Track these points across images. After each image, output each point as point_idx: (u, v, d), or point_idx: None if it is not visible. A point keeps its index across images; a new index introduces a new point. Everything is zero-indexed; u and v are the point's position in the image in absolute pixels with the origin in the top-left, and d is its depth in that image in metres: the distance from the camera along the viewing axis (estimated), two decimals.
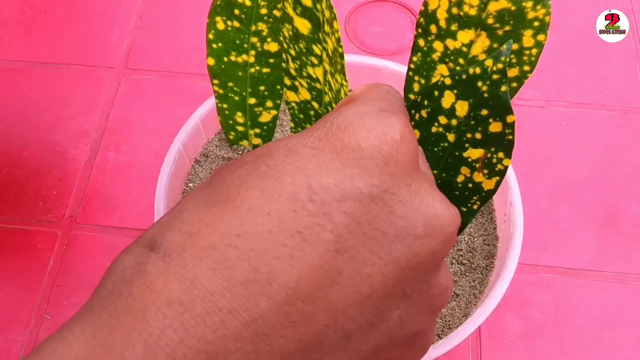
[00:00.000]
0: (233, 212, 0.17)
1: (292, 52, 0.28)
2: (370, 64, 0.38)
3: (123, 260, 0.17)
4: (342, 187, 0.17)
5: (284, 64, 0.30)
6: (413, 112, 0.26)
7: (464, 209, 0.27)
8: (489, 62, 0.23)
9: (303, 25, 0.27)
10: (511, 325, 0.38)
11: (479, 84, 0.24)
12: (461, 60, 0.29)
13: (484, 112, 0.24)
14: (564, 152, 0.45)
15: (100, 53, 0.50)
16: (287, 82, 0.30)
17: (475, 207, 0.27)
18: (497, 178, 0.25)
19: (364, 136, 0.18)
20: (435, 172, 0.27)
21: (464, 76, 0.24)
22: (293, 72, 0.29)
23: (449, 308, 0.32)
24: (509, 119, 0.24)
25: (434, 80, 0.31)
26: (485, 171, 0.26)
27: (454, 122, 0.25)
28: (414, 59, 0.31)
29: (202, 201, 0.18)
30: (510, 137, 0.24)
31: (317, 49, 0.27)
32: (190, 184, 0.37)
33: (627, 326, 0.38)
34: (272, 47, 0.34)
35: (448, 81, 0.25)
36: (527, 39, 0.28)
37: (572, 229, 0.41)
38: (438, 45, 0.29)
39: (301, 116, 0.31)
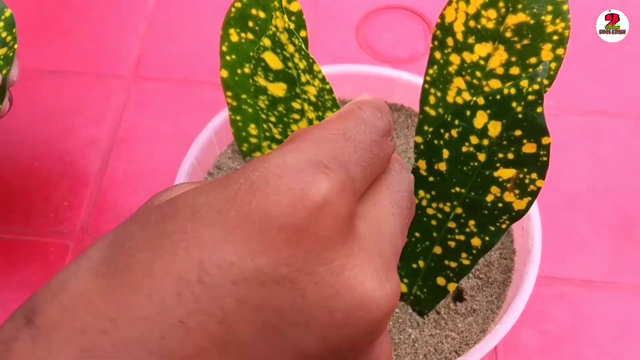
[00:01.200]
0: (115, 290, 0.15)
1: (273, 118, 0.29)
2: (384, 74, 0.38)
3: (3, 329, 0.15)
4: (241, 267, 0.15)
5: (267, 133, 0.30)
6: (442, 131, 0.26)
7: (492, 228, 0.27)
8: (524, 83, 0.23)
9: (279, 89, 0.27)
10: (528, 340, 0.37)
11: (514, 104, 0.23)
12: (478, 74, 0.29)
13: (518, 132, 0.24)
14: (579, 162, 0.44)
15: (110, 61, 0.50)
16: (275, 147, 0.31)
17: (503, 226, 0.26)
18: (529, 199, 0.25)
19: (275, 200, 0.15)
20: (463, 190, 0.26)
21: (498, 96, 0.24)
22: (278, 137, 0.30)
23: (466, 324, 0.32)
24: (544, 140, 0.23)
25: (450, 92, 0.31)
26: (517, 191, 0.25)
27: (485, 142, 0.25)
28: (430, 71, 0.30)
29: (95, 267, 0.15)
30: (544, 158, 0.24)
31: (296, 105, 0.28)
32: None
33: None
34: None
35: (481, 101, 0.24)
36: (546, 52, 0.28)
37: (588, 240, 0.41)
38: (455, 58, 0.29)
39: None
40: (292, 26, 0.25)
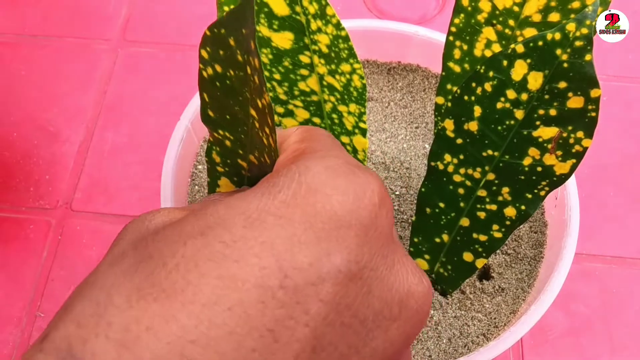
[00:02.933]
0: (182, 309, 0.13)
1: (277, 76, 0.26)
2: (398, 30, 0.34)
3: None
4: (318, 267, 0.14)
5: (271, 93, 0.27)
6: (474, 84, 0.23)
7: (529, 196, 0.24)
8: (570, 27, 0.20)
9: (284, 40, 0.24)
10: (555, 321, 0.34)
11: (558, 52, 0.21)
12: (511, 22, 0.26)
13: (562, 84, 0.21)
14: (605, 130, 0.41)
15: (96, 24, 0.47)
16: (280, 109, 0.27)
17: (542, 193, 0.24)
18: (574, 161, 0.23)
19: (340, 200, 0.15)
20: (496, 153, 0.23)
21: (540, 42, 0.21)
22: (283, 97, 0.27)
23: (493, 304, 0.29)
24: (594, 93, 0.21)
25: (478, 45, 0.28)
26: (559, 153, 0.22)
27: (524, 96, 0.22)
28: (456, 21, 0.27)
29: (134, 291, 0.14)
30: (593, 114, 0.22)
31: (304, 58, 0.25)
32: (200, 166, 0.33)
33: None
34: None
35: (520, 49, 0.21)
36: None
37: (618, 214, 0.38)
38: (485, 5, 0.26)
39: None
40: None
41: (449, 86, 0.29)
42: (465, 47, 0.28)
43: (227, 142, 0.24)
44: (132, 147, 0.41)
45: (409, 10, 0.46)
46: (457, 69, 0.28)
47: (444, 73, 0.29)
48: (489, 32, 0.27)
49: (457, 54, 0.28)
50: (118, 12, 0.47)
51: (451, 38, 0.28)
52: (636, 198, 0.39)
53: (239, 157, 0.24)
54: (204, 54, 0.22)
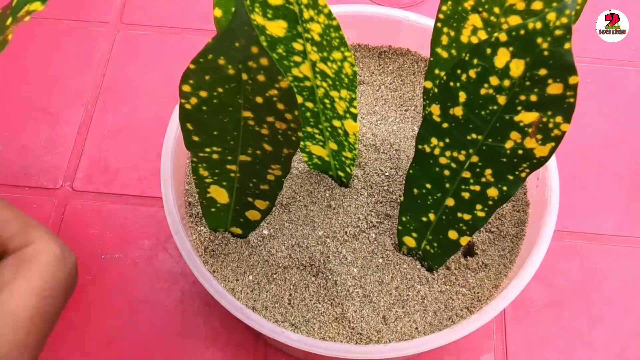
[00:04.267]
0: None
1: None
2: (388, 15, 0.35)
3: None
4: None
5: None
6: (459, 71, 0.24)
7: (511, 177, 0.25)
8: (551, 16, 0.21)
9: (278, 28, 0.25)
10: (537, 295, 0.36)
11: (539, 40, 0.22)
12: (496, 9, 0.27)
13: (543, 71, 0.22)
14: (589, 112, 0.42)
15: (93, 6, 0.47)
16: None
17: (523, 175, 0.25)
18: (553, 144, 0.24)
19: None
20: (480, 137, 0.25)
21: (521, 31, 0.22)
22: None
23: (477, 279, 0.30)
24: (572, 80, 0.22)
25: (464, 32, 0.28)
26: (539, 136, 0.23)
27: (506, 83, 0.23)
28: (444, 8, 0.28)
29: None
30: (571, 100, 0.22)
31: (297, 46, 0.26)
32: None
33: None
34: None
35: (503, 37, 0.22)
36: None
37: (599, 192, 0.40)
38: None
39: None
40: None
41: (437, 71, 0.30)
42: (452, 33, 0.29)
43: (215, 156, 0.26)
44: (131, 129, 0.42)
45: None
46: (444, 54, 0.29)
47: (432, 58, 0.30)
48: (475, 19, 0.28)
49: (444, 40, 0.29)
50: None
51: (439, 24, 0.29)
52: (616, 177, 0.40)
53: (228, 163, 0.27)
54: (186, 88, 0.23)
